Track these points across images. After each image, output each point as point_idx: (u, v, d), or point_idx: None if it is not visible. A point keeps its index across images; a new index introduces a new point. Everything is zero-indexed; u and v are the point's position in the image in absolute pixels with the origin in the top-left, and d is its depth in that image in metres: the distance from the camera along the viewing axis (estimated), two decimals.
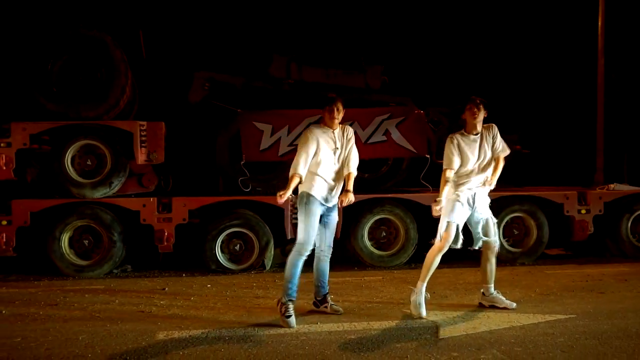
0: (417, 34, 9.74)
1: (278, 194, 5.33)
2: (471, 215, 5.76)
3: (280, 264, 8.06)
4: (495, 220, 5.91)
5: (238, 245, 8.28)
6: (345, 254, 8.69)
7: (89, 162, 8.11)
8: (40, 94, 8.10)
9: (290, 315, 5.42)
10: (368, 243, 8.56)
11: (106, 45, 8.25)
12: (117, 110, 8.38)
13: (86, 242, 8.08)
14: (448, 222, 5.61)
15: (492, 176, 5.76)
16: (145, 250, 8.39)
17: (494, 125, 5.82)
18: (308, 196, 5.52)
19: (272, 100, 9.01)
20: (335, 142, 5.65)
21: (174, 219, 8.14)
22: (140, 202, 8.14)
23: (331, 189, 5.63)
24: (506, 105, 10.70)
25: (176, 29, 9.51)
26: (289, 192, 5.40)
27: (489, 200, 5.88)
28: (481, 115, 5.69)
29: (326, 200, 5.61)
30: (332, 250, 5.85)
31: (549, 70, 12.02)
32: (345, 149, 5.70)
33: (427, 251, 5.77)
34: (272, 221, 8.33)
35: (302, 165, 5.48)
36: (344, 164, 5.70)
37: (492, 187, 5.79)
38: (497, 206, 8.66)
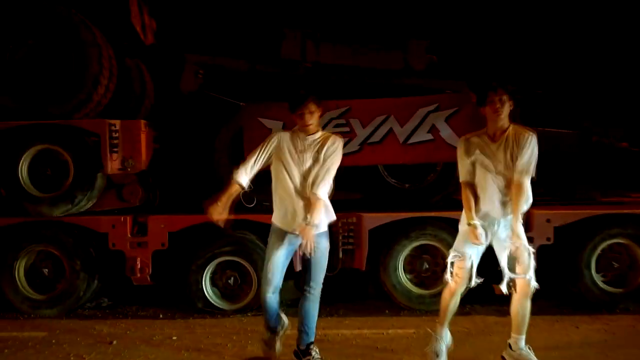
0: None
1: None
2: (493, 243, 4.41)
3: (293, 301, 6.04)
4: (531, 249, 4.29)
5: (232, 278, 6.39)
6: (378, 290, 6.61)
7: (49, 172, 6.51)
8: None
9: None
10: (404, 278, 6.38)
11: (74, 25, 6.60)
12: (92, 106, 6.69)
13: (46, 271, 6.52)
14: (455, 255, 4.44)
15: (514, 209, 4.25)
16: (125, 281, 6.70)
17: (532, 134, 4.28)
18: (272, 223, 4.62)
19: (283, 89, 7.01)
20: (304, 153, 4.46)
21: (150, 244, 6.37)
22: (109, 222, 6.43)
23: (295, 214, 4.45)
24: (609, 92, 8.08)
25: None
26: (221, 205, 4.42)
27: (520, 224, 4.29)
28: (506, 110, 4.28)
29: (291, 227, 4.48)
30: (320, 287, 4.68)
31: None
32: (321, 166, 4.44)
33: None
34: None
35: (241, 172, 4.47)
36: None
37: (518, 222, 4.26)
38: (587, 230, 6.25)
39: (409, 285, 6.37)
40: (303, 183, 4.41)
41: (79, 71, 6.54)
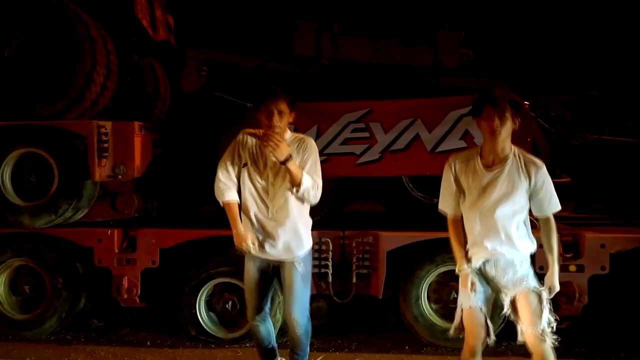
0: None
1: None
2: (494, 289, 3.56)
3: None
4: (545, 295, 3.44)
5: (230, 302, 5.61)
6: (399, 321, 5.71)
7: (32, 179, 5.88)
8: None
9: None
10: (427, 309, 5.45)
11: (67, 16, 5.98)
12: (87, 106, 6.02)
13: (27, 288, 5.88)
14: (461, 308, 3.60)
15: (549, 253, 3.50)
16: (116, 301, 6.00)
17: (543, 164, 3.48)
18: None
19: (296, 88, 6.21)
20: (267, 159, 3.85)
21: (139, 262, 5.64)
22: (94, 236, 5.74)
23: (264, 232, 3.87)
24: None
25: None
26: (241, 233, 3.85)
27: (528, 264, 3.51)
28: (507, 126, 3.41)
29: (262, 248, 3.89)
30: (304, 320, 3.97)
31: None
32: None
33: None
34: None
35: (224, 189, 3.92)
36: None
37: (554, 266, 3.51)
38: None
39: (433, 317, 5.43)
40: (271, 193, 3.83)
41: (71, 67, 5.91)
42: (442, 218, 5.79)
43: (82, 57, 5.91)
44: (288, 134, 3.94)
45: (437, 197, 5.88)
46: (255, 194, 3.85)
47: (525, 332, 3.41)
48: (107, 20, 6.41)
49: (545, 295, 3.43)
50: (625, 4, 6.93)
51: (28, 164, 5.89)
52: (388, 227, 5.62)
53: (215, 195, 3.95)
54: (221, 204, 3.94)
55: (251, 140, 3.92)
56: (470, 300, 3.51)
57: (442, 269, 5.42)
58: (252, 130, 3.98)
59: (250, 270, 4.00)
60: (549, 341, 3.38)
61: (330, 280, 5.48)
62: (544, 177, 3.45)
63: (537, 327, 3.37)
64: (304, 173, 3.77)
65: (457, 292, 5.39)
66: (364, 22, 6.16)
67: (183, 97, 6.54)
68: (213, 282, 5.58)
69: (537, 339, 3.38)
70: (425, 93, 5.83)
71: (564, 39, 6.38)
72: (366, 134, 5.77)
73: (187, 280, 5.59)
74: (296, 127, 5.80)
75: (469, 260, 3.55)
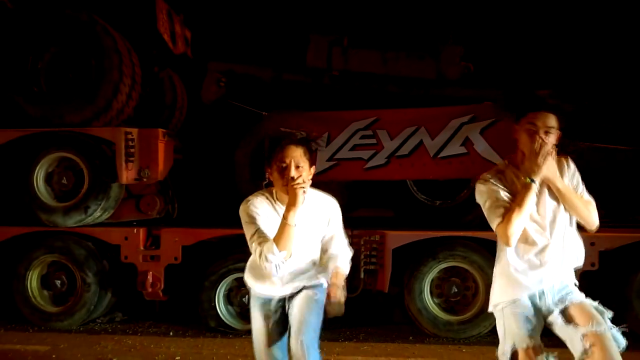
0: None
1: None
2: (550, 322, 2.92)
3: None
4: (607, 313, 2.87)
5: (247, 296, 6.00)
6: (405, 315, 6.11)
7: (64, 181, 6.35)
8: (19, 95, 6.50)
9: None
10: (430, 303, 5.85)
11: (95, 32, 6.45)
12: (114, 115, 6.49)
13: (58, 282, 6.32)
14: (512, 349, 2.86)
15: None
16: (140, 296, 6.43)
17: (567, 157, 2.99)
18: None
19: (309, 98, 6.67)
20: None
21: (162, 258, 6.09)
22: (122, 234, 6.18)
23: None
24: None
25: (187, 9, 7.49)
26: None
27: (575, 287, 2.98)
28: (551, 142, 2.85)
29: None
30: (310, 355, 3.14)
31: None
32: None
33: None
34: None
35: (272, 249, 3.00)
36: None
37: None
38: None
39: (435, 310, 5.85)
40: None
41: (99, 78, 6.39)
42: (444, 218, 6.28)
43: (110, 69, 6.39)
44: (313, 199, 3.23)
45: (440, 199, 6.41)
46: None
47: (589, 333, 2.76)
48: (130, 34, 6.86)
49: (608, 314, 2.88)
50: (617, 13, 7.33)
51: (60, 167, 6.38)
52: (394, 227, 6.04)
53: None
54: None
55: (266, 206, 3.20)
56: (526, 330, 2.87)
57: (443, 265, 5.84)
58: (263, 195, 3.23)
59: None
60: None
61: None
62: (573, 168, 3.00)
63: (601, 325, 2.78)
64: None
65: (458, 288, 5.90)
66: (372, 36, 6.60)
67: (202, 106, 6.97)
68: (231, 277, 6.00)
69: (604, 336, 2.75)
70: (429, 103, 6.28)
71: (558, 51, 6.82)
72: (373, 141, 6.23)
73: (207, 275, 6.02)
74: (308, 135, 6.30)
75: None
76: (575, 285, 3.00)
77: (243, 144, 6.66)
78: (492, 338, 5.45)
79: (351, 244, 5.88)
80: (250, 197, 3.17)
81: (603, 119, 6.80)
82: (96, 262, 6.21)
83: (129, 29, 6.88)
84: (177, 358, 5.17)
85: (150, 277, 6.04)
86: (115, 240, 6.18)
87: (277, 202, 3.13)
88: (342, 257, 3.33)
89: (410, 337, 5.80)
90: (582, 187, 2.98)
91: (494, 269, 3.08)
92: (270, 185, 3.23)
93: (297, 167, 3.02)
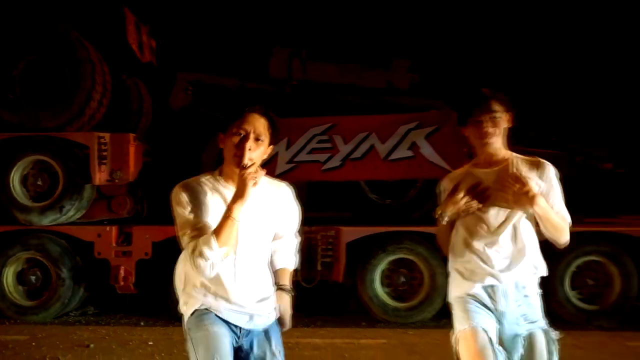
0: (460, 18, 7.53)
1: None
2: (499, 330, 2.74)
3: None
4: (553, 336, 2.76)
5: None
6: (359, 304, 6.70)
7: (39, 182, 6.73)
8: None
9: None
10: (380, 291, 6.48)
11: (70, 42, 6.89)
12: (86, 120, 6.94)
13: (33, 278, 6.70)
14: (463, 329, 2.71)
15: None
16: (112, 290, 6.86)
17: (547, 164, 2.76)
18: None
19: (272, 105, 7.20)
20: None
21: (134, 253, 6.55)
22: (95, 232, 6.63)
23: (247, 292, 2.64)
24: (593, 110, 8.20)
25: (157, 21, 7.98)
26: None
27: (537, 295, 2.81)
28: (500, 130, 2.74)
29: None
30: None
31: None
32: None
33: None
34: None
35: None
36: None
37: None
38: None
39: (385, 298, 6.46)
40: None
41: (73, 86, 6.83)
42: (393, 215, 6.90)
43: (84, 78, 6.86)
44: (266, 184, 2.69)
45: (390, 198, 7.02)
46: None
47: None
48: (100, 44, 7.30)
49: (554, 336, 2.77)
50: (560, 35, 8.09)
51: (35, 169, 6.77)
52: (348, 223, 6.63)
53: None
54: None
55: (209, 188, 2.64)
56: (478, 319, 2.70)
57: (392, 257, 6.47)
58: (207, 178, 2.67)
59: None
60: None
61: (298, 268, 6.44)
62: (552, 174, 2.76)
63: None
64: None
65: (405, 278, 6.53)
66: (329, 49, 7.20)
67: (170, 112, 7.45)
68: None
69: None
70: (381, 110, 6.91)
71: (502, 64, 7.58)
72: (329, 145, 6.82)
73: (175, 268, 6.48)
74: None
75: None
76: (538, 295, 2.81)
77: (209, 147, 7.16)
78: (435, 322, 6.20)
79: (309, 239, 6.56)
80: (186, 180, 2.63)
81: (534, 126, 7.56)
82: (70, 258, 6.62)
83: (99, 39, 7.32)
84: (150, 343, 5.63)
85: (122, 272, 6.49)
86: (89, 238, 6.61)
87: (222, 181, 2.58)
88: (289, 250, 2.87)
89: (363, 323, 6.40)
90: (557, 201, 2.73)
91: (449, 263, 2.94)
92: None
93: (257, 139, 2.51)
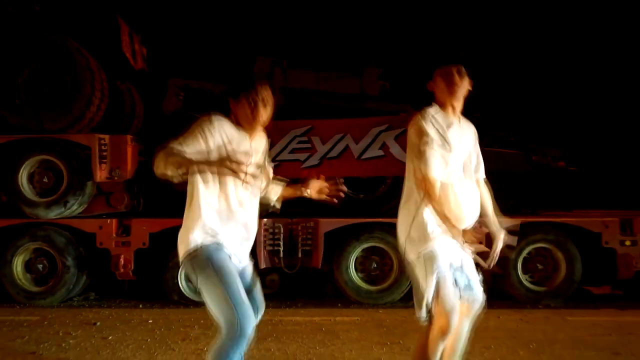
0: (425, 29, 8.35)
1: None
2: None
3: None
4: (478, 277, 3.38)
5: None
6: (336, 289, 7.46)
7: (45, 180, 7.41)
8: (2, 106, 7.54)
9: None
10: (354, 276, 7.25)
11: (68, 50, 7.56)
12: (86, 123, 7.62)
13: (40, 266, 7.37)
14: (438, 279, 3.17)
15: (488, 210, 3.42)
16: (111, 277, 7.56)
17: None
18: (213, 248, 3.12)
19: None
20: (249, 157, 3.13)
21: (132, 243, 7.25)
22: (96, 224, 7.33)
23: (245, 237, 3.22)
24: (548, 114, 9.04)
25: (149, 30, 8.69)
26: None
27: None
28: (464, 84, 3.21)
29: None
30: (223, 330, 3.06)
31: (600, 76, 10.13)
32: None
33: None
34: None
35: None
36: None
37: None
38: (517, 235, 7.13)
39: (359, 282, 7.24)
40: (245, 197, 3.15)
41: (74, 92, 7.50)
42: (366, 208, 7.66)
43: (83, 84, 7.53)
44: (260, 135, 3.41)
45: (365, 194, 7.79)
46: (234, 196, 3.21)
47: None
48: (97, 52, 7.98)
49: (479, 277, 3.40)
50: (517, 40, 8.87)
51: (40, 168, 7.44)
52: (326, 215, 7.39)
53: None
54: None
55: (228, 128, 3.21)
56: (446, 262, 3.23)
57: (365, 245, 7.26)
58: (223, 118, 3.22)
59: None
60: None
61: (281, 256, 7.21)
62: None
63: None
64: None
65: (377, 264, 7.30)
66: (308, 58, 7.97)
67: (161, 115, 8.14)
68: None
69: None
70: (354, 114, 7.68)
71: (475, 64, 8.41)
72: (308, 145, 7.58)
73: (171, 257, 7.20)
74: None
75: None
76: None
77: None
78: (404, 303, 6.96)
79: (291, 229, 7.28)
80: (214, 117, 3.06)
81: (494, 127, 8.36)
82: (74, 248, 7.30)
83: (96, 48, 8.00)
84: (149, 321, 6.33)
85: (122, 260, 7.18)
86: (91, 229, 7.30)
87: (240, 129, 3.11)
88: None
89: (339, 304, 7.17)
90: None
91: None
92: None
93: (266, 106, 3.12)
